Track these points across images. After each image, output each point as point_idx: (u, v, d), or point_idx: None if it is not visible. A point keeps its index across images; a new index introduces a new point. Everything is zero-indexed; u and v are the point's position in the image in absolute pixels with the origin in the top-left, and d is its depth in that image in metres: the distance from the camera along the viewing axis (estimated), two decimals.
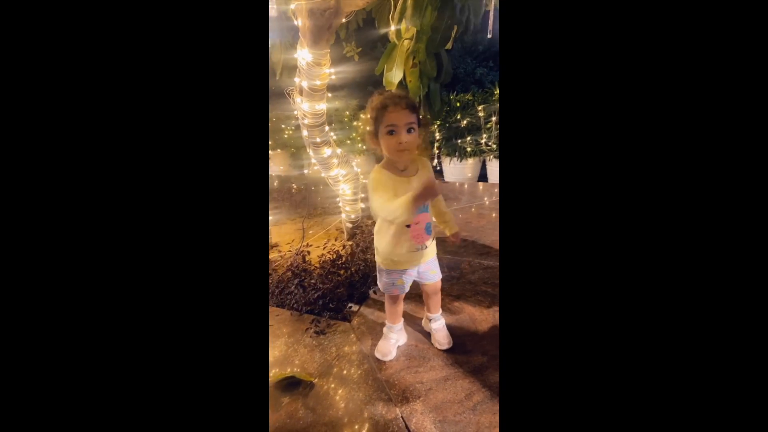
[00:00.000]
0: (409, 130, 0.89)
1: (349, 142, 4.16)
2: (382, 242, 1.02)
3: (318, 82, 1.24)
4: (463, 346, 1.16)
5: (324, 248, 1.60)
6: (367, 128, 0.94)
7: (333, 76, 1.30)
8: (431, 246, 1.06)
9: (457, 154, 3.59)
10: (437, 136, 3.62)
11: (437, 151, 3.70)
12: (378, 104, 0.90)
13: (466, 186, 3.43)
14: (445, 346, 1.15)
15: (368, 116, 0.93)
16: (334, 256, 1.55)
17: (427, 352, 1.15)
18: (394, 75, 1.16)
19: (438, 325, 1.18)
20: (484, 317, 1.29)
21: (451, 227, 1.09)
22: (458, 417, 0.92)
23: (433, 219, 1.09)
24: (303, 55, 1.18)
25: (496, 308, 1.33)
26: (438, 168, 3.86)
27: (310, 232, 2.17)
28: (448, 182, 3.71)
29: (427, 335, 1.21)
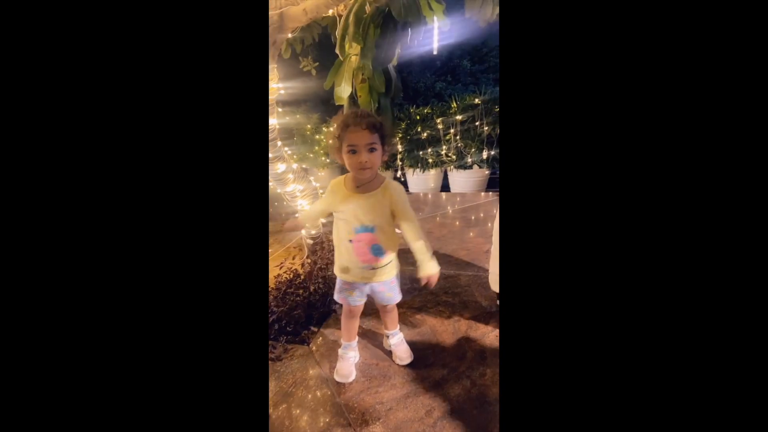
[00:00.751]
0: (370, 150, 0.89)
1: (312, 155, 4.11)
2: (336, 251, 1.03)
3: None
4: (424, 360, 1.14)
5: (281, 268, 1.54)
6: (333, 145, 0.93)
7: (282, 91, 1.27)
8: (387, 268, 1.02)
9: (419, 165, 3.66)
10: (399, 148, 3.67)
11: (400, 163, 3.75)
12: (341, 123, 0.90)
13: (429, 196, 3.48)
14: (406, 361, 1.13)
15: (333, 133, 0.92)
16: (292, 276, 1.49)
17: (387, 370, 1.12)
18: (343, 90, 1.15)
19: (397, 340, 1.16)
20: (445, 328, 1.29)
21: (423, 267, 0.96)
22: None
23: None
24: None
25: (457, 318, 1.34)
26: (402, 179, 3.90)
27: (270, 250, 2.09)
28: (412, 193, 3.75)
29: (389, 353, 1.19)
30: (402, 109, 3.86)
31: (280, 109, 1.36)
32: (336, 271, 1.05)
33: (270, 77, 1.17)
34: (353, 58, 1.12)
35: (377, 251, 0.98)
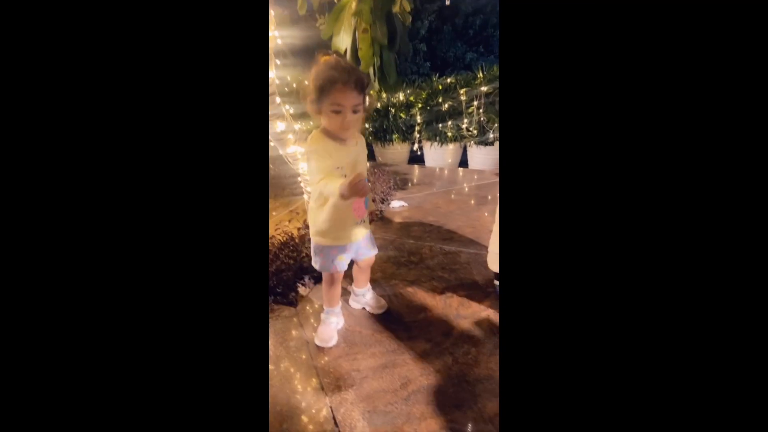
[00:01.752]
0: (355, 111, 0.84)
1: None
2: (320, 216, 0.95)
3: None
4: (408, 332, 1.10)
5: (276, 230, 1.52)
6: (309, 96, 0.85)
7: (279, 41, 1.19)
8: (367, 218, 1.02)
9: (437, 138, 3.50)
10: (418, 119, 3.52)
11: (418, 135, 3.60)
12: (326, 77, 0.81)
13: (446, 171, 3.36)
14: (384, 308, 1.17)
15: (312, 83, 0.83)
16: (286, 238, 1.46)
17: (369, 339, 1.09)
18: (342, 40, 1.05)
19: (369, 294, 1.18)
20: (436, 302, 1.23)
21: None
22: (389, 407, 0.86)
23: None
24: None
25: (450, 294, 1.28)
26: (419, 153, 3.76)
27: (274, 213, 2.08)
28: (427, 167, 3.63)
29: (369, 318, 1.16)
30: (426, 79, 3.66)
31: (278, 62, 1.28)
32: (322, 238, 0.97)
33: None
34: (353, 3, 1.01)
35: (367, 202, 0.98)
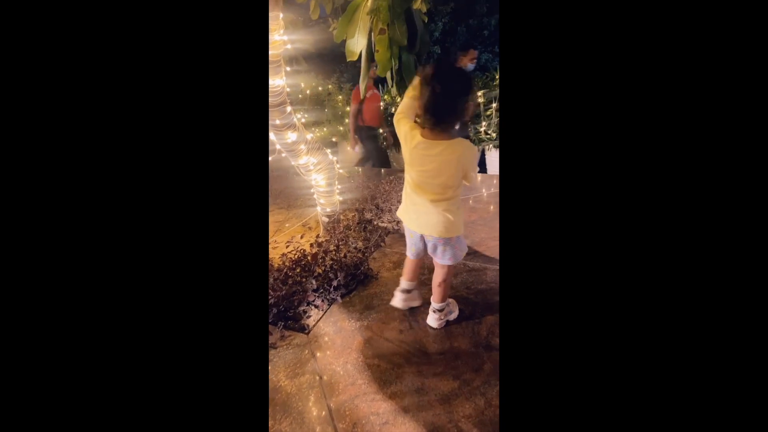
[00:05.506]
0: None
1: (342, 129, 3.94)
2: (459, 210, 1.01)
3: (270, 51, 1.05)
4: (432, 366, 0.99)
5: (287, 246, 1.42)
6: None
7: (289, 45, 1.10)
8: None
9: None
10: None
11: None
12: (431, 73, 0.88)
13: None
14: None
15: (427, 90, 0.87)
16: (298, 256, 1.37)
17: (389, 374, 0.98)
18: (357, 43, 0.96)
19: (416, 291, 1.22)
20: (461, 330, 1.11)
21: None
22: None
23: None
24: None
25: (477, 320, 1.15)
26: None
27: (287, 225, 2.00)
28: None
29: (388, 348, 1.04)
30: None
31: (288, 68, 1.19)
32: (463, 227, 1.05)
33: (272, 27, 1.00)
34: (368, 1, 0.91)
35: None
